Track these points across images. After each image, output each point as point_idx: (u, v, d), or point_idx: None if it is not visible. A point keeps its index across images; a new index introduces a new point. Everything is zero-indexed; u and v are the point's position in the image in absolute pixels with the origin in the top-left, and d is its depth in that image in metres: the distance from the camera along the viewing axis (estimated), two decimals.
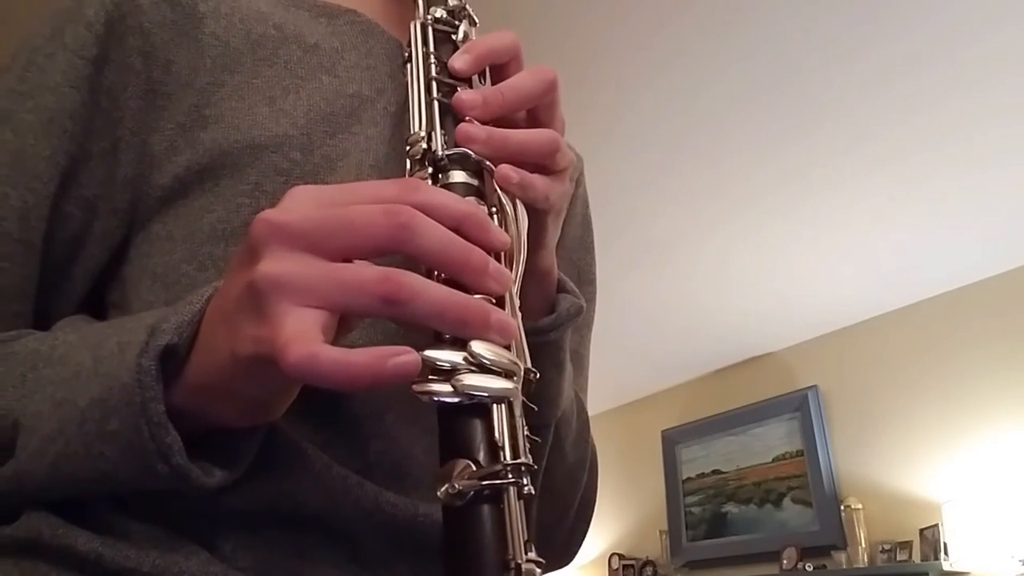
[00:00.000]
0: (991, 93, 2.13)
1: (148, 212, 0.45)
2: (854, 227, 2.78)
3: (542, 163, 0.43)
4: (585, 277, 0.64)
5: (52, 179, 0.43)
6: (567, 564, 0.63)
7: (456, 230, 0.34)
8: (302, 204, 0.33)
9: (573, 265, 0.63)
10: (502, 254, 0.37)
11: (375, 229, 0.31)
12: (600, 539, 4.32)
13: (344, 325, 0.34)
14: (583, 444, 0.58)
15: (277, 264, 0.31)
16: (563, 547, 0.60)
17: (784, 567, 3.36)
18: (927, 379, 3.18)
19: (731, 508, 3.80)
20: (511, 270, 0.38)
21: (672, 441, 4.14)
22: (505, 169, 0.41)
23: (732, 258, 3.00)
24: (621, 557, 4.16)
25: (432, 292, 0.31)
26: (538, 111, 0.45)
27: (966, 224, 2.76)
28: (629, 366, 3.95)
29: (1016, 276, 3.02)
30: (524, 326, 0.46)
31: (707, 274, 3.11)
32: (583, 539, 0.62)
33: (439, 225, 0.32)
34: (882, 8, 1.86)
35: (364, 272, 0.31)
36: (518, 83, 0.43)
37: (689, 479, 4.02)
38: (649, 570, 4.05)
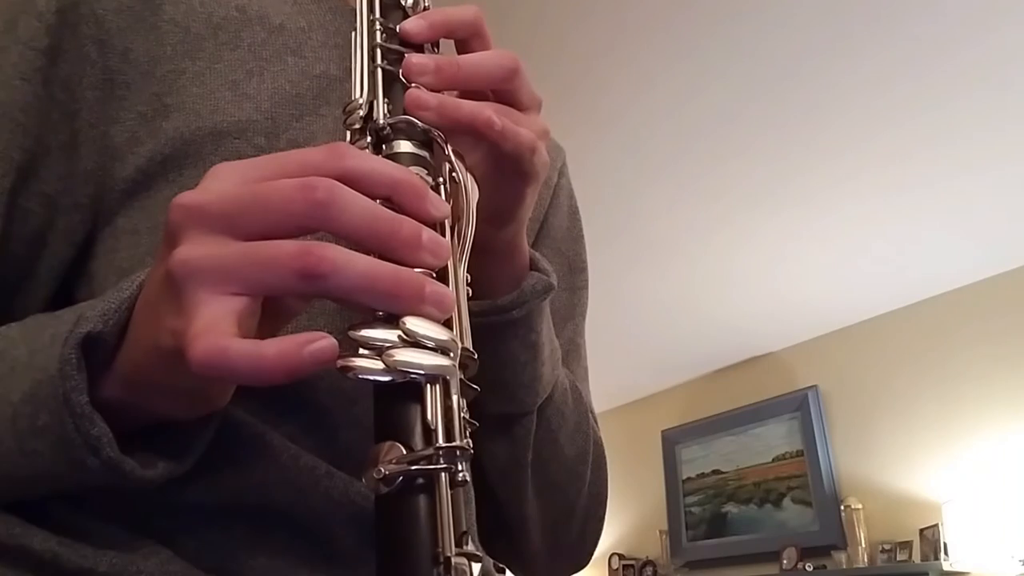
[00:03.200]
0: (991, 93, 2.12)
1: (112, 206, 0.44)
2: (854, 227, 2.77)
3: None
4: (576, 266, 0.63)
5: (7, 175, 0.42)
6: (582, 566, 0.59)
7: (389, 199, 0.31)
8: (222, 182, 0.31)
9: (563, 256, 0.61)
10: (450, 228, 0.35)
11: (291, 206, 0.29)
12: (600, 539, 4.31)
13: (279, 312, 0.32)
14: (582, 436, 0.55)
15: (193, 249, 0.29)
16: (575, 547, 0.57)
17: (784, 567, 3.35)
18: (927, 379, 3.18)
19: (731, 508, 3.79)
20: (459, 244, 0.35)
21: (672, 441, 4.13)
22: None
23: (732, 258, 2.99)
24: (621, 557, 4.16)
25: (357, 264, 0.28)
26: (500, 97, 0.41)
27: (966, 224, 2.76)
28: (629, 366, 3.94)
29: (1015, 276, 3.01)
30: (484, 305, 0.45)
31: (708, 274, 3.11)
32: (596, 539, 0.59)
33: (361, 198, 0.30)
34: (882, 8, 1.86)
35: (279, 247, 0.28)
36: (478, 59, 0.40)
37: (689, 479, 4.02)
38: (649, 570, 4.05)
